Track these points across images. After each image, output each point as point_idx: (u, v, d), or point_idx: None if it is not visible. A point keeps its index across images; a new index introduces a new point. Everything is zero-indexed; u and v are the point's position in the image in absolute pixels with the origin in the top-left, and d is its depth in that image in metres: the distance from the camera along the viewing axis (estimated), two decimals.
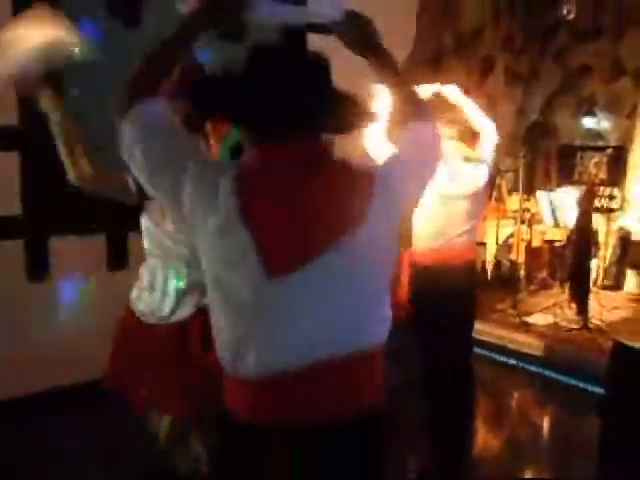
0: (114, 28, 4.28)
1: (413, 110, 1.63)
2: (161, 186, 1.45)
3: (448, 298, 3.21)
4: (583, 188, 5.93)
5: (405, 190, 1.56)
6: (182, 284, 2.49)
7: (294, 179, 1.42)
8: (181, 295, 2.49)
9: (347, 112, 1.53)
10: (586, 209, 5.63)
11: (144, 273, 2.57)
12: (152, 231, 2.49)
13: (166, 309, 2.48)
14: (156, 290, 2.51)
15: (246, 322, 1.45)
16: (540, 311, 5.83)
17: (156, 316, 2.50)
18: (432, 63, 6.68)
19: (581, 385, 4.56)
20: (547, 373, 4.86)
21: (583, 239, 5.55)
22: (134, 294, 2.58)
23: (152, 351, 2.49)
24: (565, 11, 6.70)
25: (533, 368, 4.95)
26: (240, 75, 1.49)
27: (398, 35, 6.29)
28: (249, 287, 1.41)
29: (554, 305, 5.88)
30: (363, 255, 1.45)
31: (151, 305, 2.51)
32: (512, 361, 5.07)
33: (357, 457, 1.50)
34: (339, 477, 1.49)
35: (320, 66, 1.52)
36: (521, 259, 6.45)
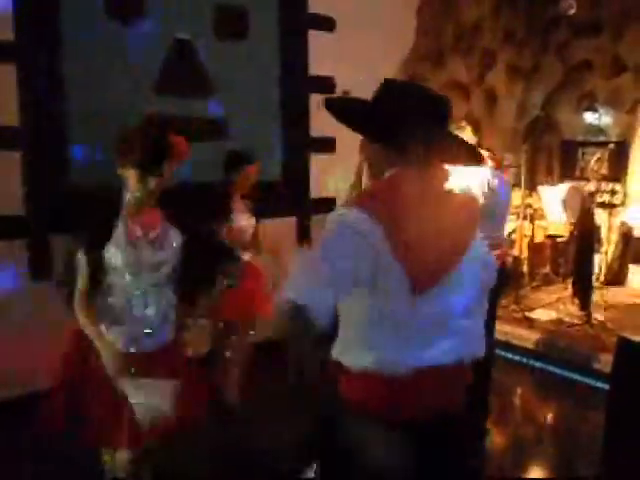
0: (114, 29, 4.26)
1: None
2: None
3: None
4: (585, 183, 5.90)
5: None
6: (155, 311, 2.48)
7: (428, 203, 1.64)
8: (155, 322, 2.48)
9: (463, 148, 1.78)
10: (588, 204, 5.62)
11: (106, 305, 2.48)
12: (119, 264, 2.42)
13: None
14: (132, 321, 2.46)
15: (403, 333, 1.63)
16: (543, 307, 5.83)
17: (136, 345, 2.45)
18: (433, 58, 6.67)
19: (585, 381, 4.56)
20: (550, 368, 4.85)
21: (585, 234, 5.55)
22: (104, 328, 2.47)
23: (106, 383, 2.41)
24: (566, 6, 6.68)
25: (536, 364, 4.95)
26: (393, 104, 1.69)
27: (399, 31, 6.30)
28: (403, 305, 1.60)
29: (557, 301, 5.88)
30: (476, 270, 1.72)
31: (128, 336, 2.45)
32: (516, 357, 5.06)
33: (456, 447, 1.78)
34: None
35: (447, 103, 1.74)
36: (524, 255, 6.44)
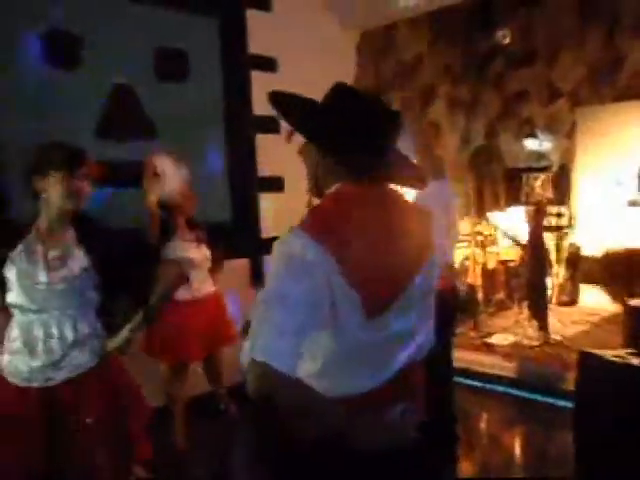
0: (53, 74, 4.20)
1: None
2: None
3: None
4: (532, 207, 6.01)
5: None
6: (74, 335, 2.36)
7: (378, 221, 1.53)
8: (71, 348, 2.36)
9: (410, 168, 1.72)
10: (536, 227, 5.71)
11: (15, 333, 2.37)
12: (25, 284, 2.32)
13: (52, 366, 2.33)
14: (37, 349, 2.33)
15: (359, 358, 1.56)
16: (501, 331, 5.85)
17: (41, 377, 2.33)
18: (374, 91, 6.76)
19: (548, 401, 4.56)
20: (513, 392, 4.84)
21: (537, 256, 5.62)
22: (5, 359, 2.38)
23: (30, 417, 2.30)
24: (500, 37, 6.89)
25: (499, 388, 4.93)
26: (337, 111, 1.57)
27: (340, 68, 6.38)
28: (359, 330, 1.51)
29: (514, 324, 5.91)
30: (429, 282, 1.66)
31: (32, 366, 2.33)
32: (478, 383, 5.04)
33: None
34: None
35: (399, 117, 1.63)
36: (478, 282, 6.48)
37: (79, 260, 2.39)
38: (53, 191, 2.33)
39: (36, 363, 2.32)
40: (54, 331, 2.34)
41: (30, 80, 4.06)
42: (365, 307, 1.48)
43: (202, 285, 4.15)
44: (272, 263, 1.48)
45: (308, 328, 1.43)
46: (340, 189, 1.56)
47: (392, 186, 1.68)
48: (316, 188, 1.65)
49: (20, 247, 2.36)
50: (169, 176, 3.70)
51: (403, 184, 1.82)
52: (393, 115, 1.60)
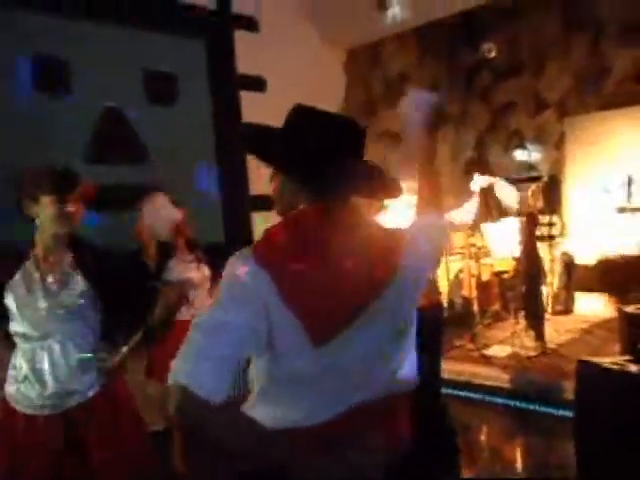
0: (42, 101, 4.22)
1: (432, 198, 1.76)
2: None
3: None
4: (524, 218, 6.02)
5: (426, 254, 1.66)
6: (78, 359, 2.34)
7: (332, 243, 1.46)
8: (77, 373, 2.34)
9: (380, 180, 1.61)
10: (529, 237, 5.72)
11: (20, 362, 2.35)
12: (25, 312, 2.31)
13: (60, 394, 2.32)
14: (44, 376, 2.31)
15: (308, 388, 1.48)
16: (498, 343, 5.84)
17: (50, 403, 2.31)
18: (364, 108, 6.81)
19: (548, 411, 4.54)
20: (513, 403, 4.83)
21: (531, 266, 5.63)
22: (12, 388, 2.36)
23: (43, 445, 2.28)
24: (486, 50, 6.96)
25: (498, 400, 4.91)
26: (295, 131, 1.53)
27: (328, 85, 6.43)
28: (301, 358, 1.44)
29: (511, 335, 5.90)
30: (394, 307, 1.53)
31: (41, 393, 2.31)
32: (477, 395, 5.02)
33: None
34: None
35: (363, 131, 1.58)
36: (473, 294, 6.48)
37: (77, 284, 2.36)
38: (45, 216, 2.30)
39: (44, 390, 2.30)
40: (59, 357, 2.32)
41: (20, 106, 4.08)
42: (310, 334, 1.41)
43: (203, 305, 4.14)
44: (222, 280, 1.45)
45: (239, 354, 1.39)
46: (299, 211, 1.52)
47: (364, 202, 1.69)
48: (284, 211, 1.59)
49: (18, 275, 2.34)
50: (163, 216, 3.71)
51: (376, 197, 1.81)
52: (355, 128, 1.56)
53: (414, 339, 1.65)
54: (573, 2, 6.95)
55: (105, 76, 4.46)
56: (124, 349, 2.51)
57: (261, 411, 1.46)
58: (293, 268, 1.40)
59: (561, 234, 7.18)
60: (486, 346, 5.75)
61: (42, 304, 2.30)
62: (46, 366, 2.31)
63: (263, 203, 5.57)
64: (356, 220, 1.55)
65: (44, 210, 2.29)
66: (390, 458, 1.49)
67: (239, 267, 1.41)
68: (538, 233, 6.49)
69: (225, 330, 1.37)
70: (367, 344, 1.49)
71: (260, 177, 5.52)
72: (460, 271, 6.66)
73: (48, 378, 2.31)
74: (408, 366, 1.61)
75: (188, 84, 5.04)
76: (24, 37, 4.10)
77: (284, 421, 1.45)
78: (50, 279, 2.34)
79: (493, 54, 7.02)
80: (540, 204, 7.25)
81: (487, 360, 5.44)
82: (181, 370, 1.35)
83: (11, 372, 2.37)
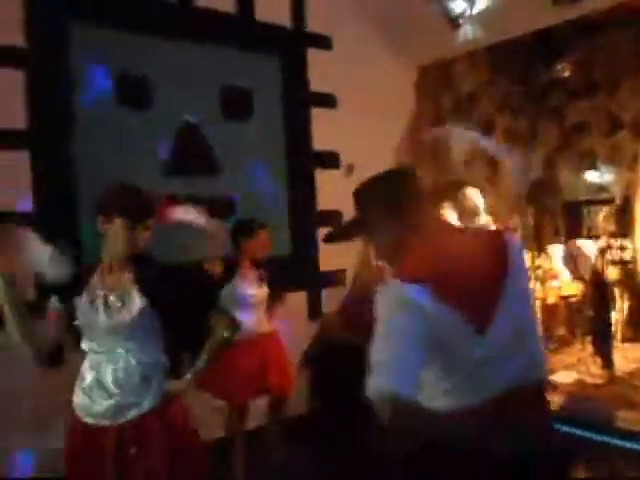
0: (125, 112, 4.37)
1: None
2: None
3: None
4: (596, 240, 5.89)
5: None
6: (140, 374, 2.40)
7: (459, 252, 1.80)
8: (138, 387, 2.39)
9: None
10: (600, 261, 5.59)
11: (87, 373, 2.43)
12: (89, 329, 2.39)
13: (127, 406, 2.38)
14: (108, 388, 2.38)
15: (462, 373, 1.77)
16: (564, 369, 5.71)
17: (111, 415, 2.36)
18: (435, 124, 6.79)
19: (615, 442, 4.41)
20: (578, 432, 4.70)
21: (600, 291, 5.49)
22: (78, 398, 2.43)
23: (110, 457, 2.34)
24: (560, 70, 6.85)
25: (566, 429, 4.79)
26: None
27: (398, 103, 6.44)
28: (468, 346, 1.73)
29: (577, 362, 5.76)
30: (517, 296, 1.82)
31: (104, 404, 2.37)
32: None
33: None
34: None
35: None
36: (538, 317, 6.35)
37: (137, 301, 2.40)
38: (116, 237, 2.36)
39: (107, 402, 2.37)
40: (122, 370, 2.38)
41: (105, 119, 4.24)
42: (472, 324, 1.71)
43: (258, 325, 4.18)
44: (381, 310, 1.71)
45: (424, 359, 1.67)
46: (413, 239, 1.85)
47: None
48: (382, 255, 2.00)
49: (84, 293, 2.42)
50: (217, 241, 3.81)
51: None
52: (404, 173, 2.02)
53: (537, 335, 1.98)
54: None
55: (184, 92, 4.59)
56: (188, 376, 2.55)
57: (442, 400, 1.75)
58: (441, 276, 1.71)
59: (633, 258, 6.98)
60: (551, 372, 5.62)
61: (103, 320, 2.37)
62: (110, 378, 2.37)
63: (329, 218, 5.64)
64: (458, 229, 2.04)
65: (116, 231, 2.35)
66: (539, 444, 1.78)
67: (401, 291, 1.70)
68: (609, 257, 6.34)
69: (410, 340, 1.64)
70: (510, 327, 1.77)
71: (327, 193, 5.59)
72: None
73: (111, 390, 2.37)
74: (539, 356, 1.92)
75: (262, 100, 5.14)
76: (108, 53, 4.26)
77: (459, 404, 1.73)
78: (112, 296, 2.40)
79: (567, 73, 6.90)
80: (612, 227, 7.08)
81: (552, 387, 5.31)
82: (389, 379, 1.60)
83: (78, 382, 2.46)
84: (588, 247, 5.87)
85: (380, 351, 1.64)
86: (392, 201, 1.88)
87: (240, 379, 3.98)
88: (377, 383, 1.59)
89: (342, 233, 2.10)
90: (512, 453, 1.66)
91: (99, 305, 2.38)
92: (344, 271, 5.54)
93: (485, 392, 1.74)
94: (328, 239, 2.06)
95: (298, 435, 4.28)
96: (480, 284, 1.75)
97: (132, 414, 2.37)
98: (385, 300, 1.72)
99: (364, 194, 1.95)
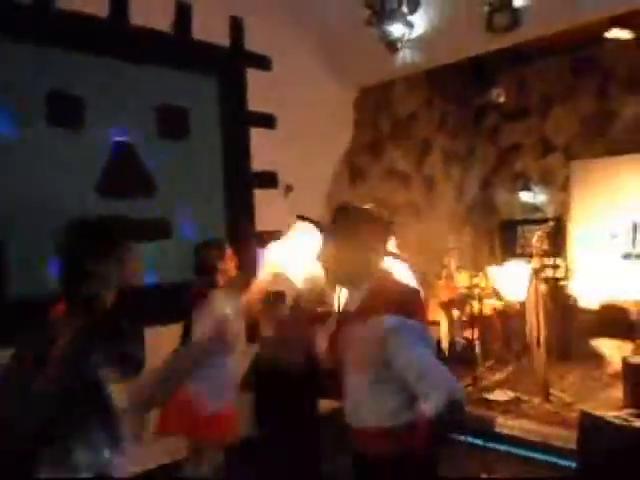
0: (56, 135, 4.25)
1: None
2: None
3: None
4: (530, 260, 6.01)
5: None
6: None
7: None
8: None
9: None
10: (535, 280, 5.72)
11: None
12: None
13: None
14: None
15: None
16: (500, 386, 5.80)
17: None
18: (371, 148, 6.86)
19: (547, 459, 4.49)
20: (513, 450, 4.77)
21: (536, 310, 5.61)
22: None
23: None
24: (495, 95, 7.04)
25: (500, 447, 4.86)
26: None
27: (337, 124, 6.48)
28: None
29: (514, 379, 5.87)
30: None
31: None
32: (477, 440, 4.96)
33: None
34: None
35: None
36: (475, 335, 6.45)
37: None
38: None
39: None
40: None
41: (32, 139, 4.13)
42: None
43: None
44: (403, 336, 1.97)
45: None
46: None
47: None
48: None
49: None
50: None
51: None
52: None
53: None
54: (580, 47, 7.02)
55: (118, 111, 4.51)
56: None
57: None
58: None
59: (565, 277, 7.17)
60: (487, 389, 5.71)
61: None
62: None
63: (268, 239, 5.60)
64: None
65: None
66: None
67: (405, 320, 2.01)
68: (543, 275, 6.49)
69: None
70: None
71: (265, 212, 5.56)
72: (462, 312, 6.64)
73: None
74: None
75: (199, 119, 5.10)
76: (40, 71, 4.15)
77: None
78: None
79: (502, 99, 7.09)
80: (545, 246, 7.26)
81: (487, 404, 5.39)
82: (455, 389, 1.83)
83: None
84: (521, 268, 5.99)
85: (435, 362, 1.91)
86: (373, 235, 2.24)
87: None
88: (459, 385, 1.88)
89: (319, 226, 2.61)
90: None
91: None
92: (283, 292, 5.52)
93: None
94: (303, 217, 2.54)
95: (241, 457, 4.19)
96: None
97: None
98: (402, 328, 1.98)
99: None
